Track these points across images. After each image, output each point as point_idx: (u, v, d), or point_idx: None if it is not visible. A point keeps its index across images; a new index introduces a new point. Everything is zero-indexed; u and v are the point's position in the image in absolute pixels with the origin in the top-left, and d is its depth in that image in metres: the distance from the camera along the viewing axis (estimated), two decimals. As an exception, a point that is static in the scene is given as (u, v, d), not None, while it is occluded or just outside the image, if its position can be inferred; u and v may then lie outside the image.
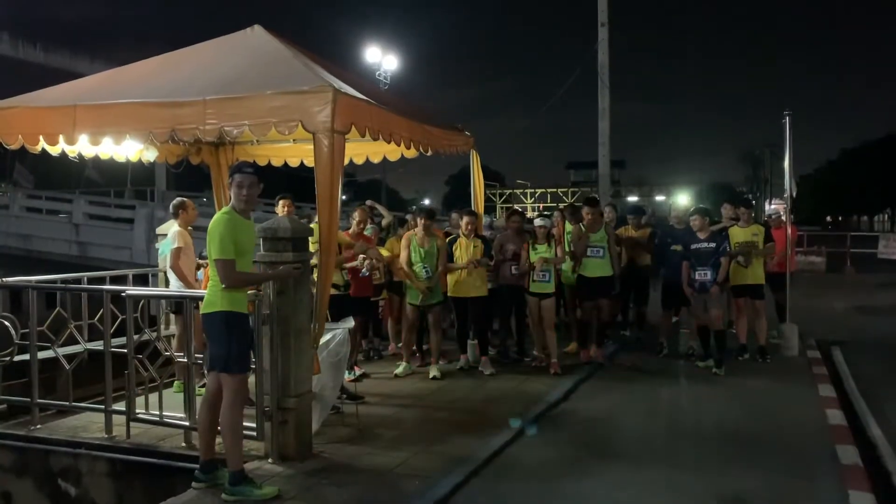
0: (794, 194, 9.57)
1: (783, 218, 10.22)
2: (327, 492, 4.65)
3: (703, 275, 8.25)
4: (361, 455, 5.31)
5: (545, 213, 9.76)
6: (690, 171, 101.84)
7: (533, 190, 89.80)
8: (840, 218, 70.64)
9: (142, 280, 8.91)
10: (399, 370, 8.00)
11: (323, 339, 5.46)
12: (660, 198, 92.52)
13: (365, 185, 48.61)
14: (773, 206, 10.30)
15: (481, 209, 8.74)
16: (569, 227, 8.89)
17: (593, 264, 8.42)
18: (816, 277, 20.88)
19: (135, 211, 20.73)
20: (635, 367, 8.68)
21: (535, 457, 5.45)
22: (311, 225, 5.96)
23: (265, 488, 4.56)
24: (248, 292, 4.80)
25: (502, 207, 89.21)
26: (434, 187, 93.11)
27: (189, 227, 7.60)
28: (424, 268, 7.84)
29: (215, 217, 4.66)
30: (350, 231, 7.81)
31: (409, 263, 7.81)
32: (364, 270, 7.48)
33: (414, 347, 8.43)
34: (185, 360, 5.41)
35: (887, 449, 5.77)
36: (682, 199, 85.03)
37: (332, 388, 5.59)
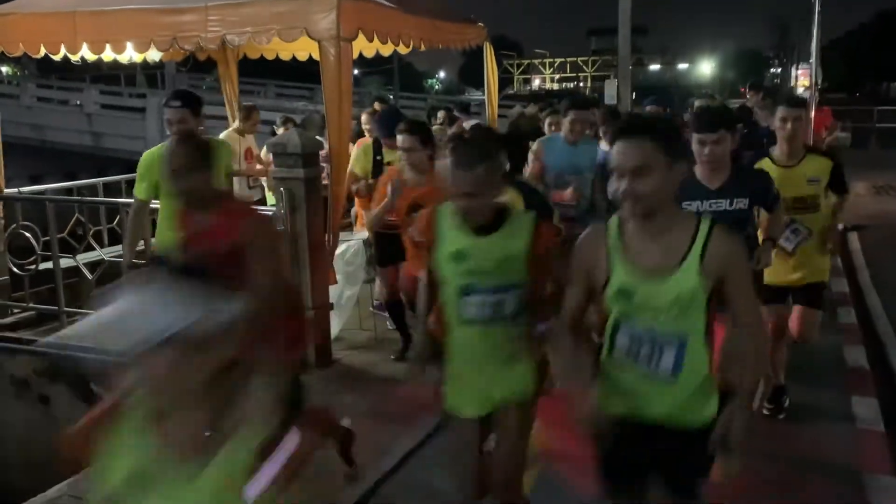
0: (819, 82, 9.21)
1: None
2: (346, 400, 4.83)
3: None
4: (377, 362, 5.48)
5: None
6: (716, 37, 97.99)
7: (552, 60, 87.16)
8: (869, 86, 68.26)
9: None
10: None
11: (338, 251, 5.53)
12: (683, 66, 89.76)
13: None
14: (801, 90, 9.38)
15: (495, 104, 8.51)
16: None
17: None
18: (841, 153, 20.43)
19: (146, 100, 20.46)
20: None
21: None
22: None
23: None
24: None
25: (520, 79, 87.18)
26: (450, 58, 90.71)
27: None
28: None
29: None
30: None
31: None
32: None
33: None
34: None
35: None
36: (706, 68, 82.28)
37: (348, 297, 5.70)
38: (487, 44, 8.04)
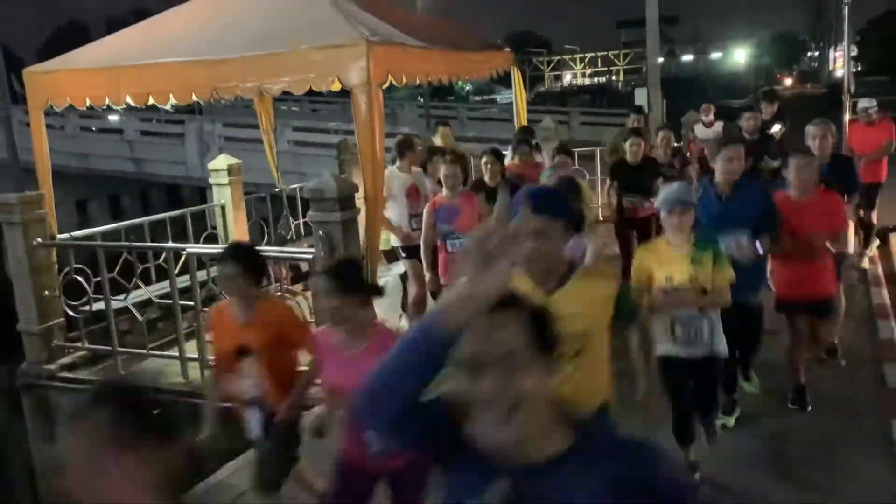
0: (852, 89, 9.12)
1: (873, 114, 8.34)
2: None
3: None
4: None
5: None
6: (750, 23, 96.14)
7: (582, 55, 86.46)
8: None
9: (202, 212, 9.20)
10: None
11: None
12: (716, 55, 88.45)
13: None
14: (863, 103, 8.54)
15: (524, 123, 8.61)
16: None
17: None
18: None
19: (184, 126, 20.98)
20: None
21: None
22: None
23: None
24: None
25: (550, 76, 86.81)
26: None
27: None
28: None
29: None
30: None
31: None
32: None
33: None
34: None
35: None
36: (740, 56, 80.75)
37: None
38: (515, 68, 8.16)
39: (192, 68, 5.77)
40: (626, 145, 6.99)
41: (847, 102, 10.37)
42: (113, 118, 22.66)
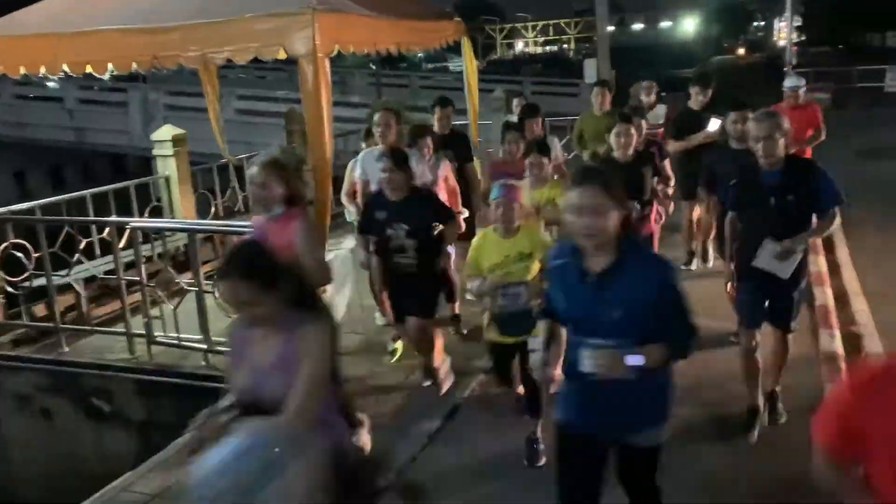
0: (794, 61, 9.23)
1: (801, 94, 7.61)
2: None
3: None
4: (370, 368, 5.67)
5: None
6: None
7: (535, 23, 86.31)
8: (851, 38, 67.67)
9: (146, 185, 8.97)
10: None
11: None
12: (665, 24, 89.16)
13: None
14: (790, 81, 7.76)
15: (475, 96, 8.55)
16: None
17: None
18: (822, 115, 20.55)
19: (127, 94, 20.34)
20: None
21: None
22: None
23: None
24: None
25: (503, 44, 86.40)
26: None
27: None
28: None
29: None
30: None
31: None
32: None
33: None
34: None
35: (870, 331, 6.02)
36: (689, 25, 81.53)
37: (337, 305, 5.84)
38: (465, 39, 8.08)
39: (132, 37, 5.58)
40: (612, 137, 5.44)
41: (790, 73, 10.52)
42: (52, 85, 21.87)
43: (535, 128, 6.70)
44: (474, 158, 7.01)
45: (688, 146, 6.85)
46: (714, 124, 6.50)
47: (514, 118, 7.35)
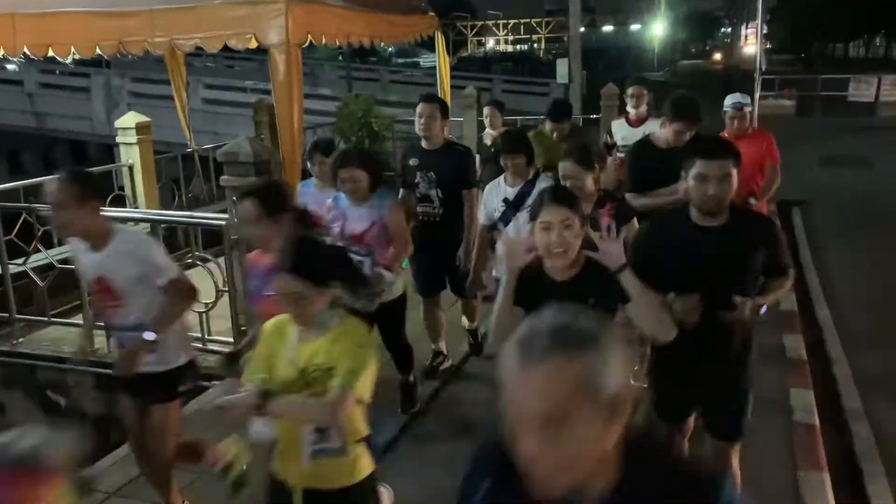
0: (764, 68, 9.34)
1: (747, 112, 5.28)
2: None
3: None
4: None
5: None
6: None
7: (506, 21, 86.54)
8: (814, 47, 68.91)
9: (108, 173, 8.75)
10: None
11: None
12: (635, 26, 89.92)
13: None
14: (731, 98, 5.31)
15: (447, 90, 8.50)
16: None
17: None
18: (787, 122, 20.91)
19: (90, 79, 19.86)
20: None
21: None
22: None
23: None
24: None
25: (474, 41, 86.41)
26: None
27: None
28: None
29: None
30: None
31: None
32: None
33: None
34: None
35: (832, 335, 6.12)
36: (658, 29, 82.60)
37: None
38: (439, 34, 8.04)
39: (97, 20, 5.43)
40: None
41: (759, 80, 10.66)
42: (11, 67, 21.27)
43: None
44: None
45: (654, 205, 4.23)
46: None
47: (490, 130, 6.78)
